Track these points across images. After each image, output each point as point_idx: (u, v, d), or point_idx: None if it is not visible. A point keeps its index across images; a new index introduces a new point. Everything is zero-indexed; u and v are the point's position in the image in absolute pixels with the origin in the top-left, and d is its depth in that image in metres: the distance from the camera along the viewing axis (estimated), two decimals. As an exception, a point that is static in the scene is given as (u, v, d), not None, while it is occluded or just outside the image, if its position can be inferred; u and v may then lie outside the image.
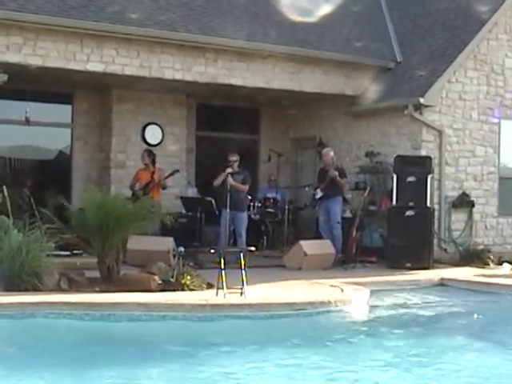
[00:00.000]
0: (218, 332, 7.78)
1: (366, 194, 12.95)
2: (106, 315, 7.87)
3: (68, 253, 10.95)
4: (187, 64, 12.65)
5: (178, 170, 13.06)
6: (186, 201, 13.20)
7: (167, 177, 12.65)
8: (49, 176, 14.64)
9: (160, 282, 8.96)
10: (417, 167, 12.41)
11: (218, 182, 11.98)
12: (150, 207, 9.57)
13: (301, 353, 6.98)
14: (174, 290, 8.79)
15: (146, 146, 13.73)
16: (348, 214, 13.25)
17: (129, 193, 12.41)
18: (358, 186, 13.67)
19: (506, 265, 12.26)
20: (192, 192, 14.53)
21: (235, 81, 13.11)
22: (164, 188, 12.67)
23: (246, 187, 12.24)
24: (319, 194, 12.73)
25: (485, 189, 13.66)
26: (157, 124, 14.38)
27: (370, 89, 14.12)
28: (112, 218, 8.94)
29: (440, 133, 13.13)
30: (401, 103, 13.17)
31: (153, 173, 12.61)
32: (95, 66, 11.93)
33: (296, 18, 13.61)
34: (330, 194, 12.63)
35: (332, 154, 13.04)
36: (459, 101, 13.37)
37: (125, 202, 9.52)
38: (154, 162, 12.80)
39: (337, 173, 12.57)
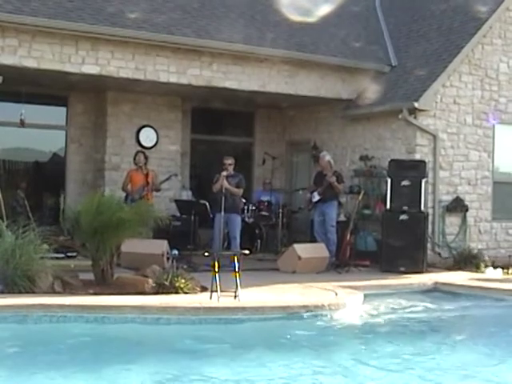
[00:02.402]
0: (212, 335, 7.78)
1: (360, 198, 12.97)
2: (99, 318, 7.86)
3: (62, 255, 10.94)
4: (182, 67, 12.66)
5: (176, 175, 13.06)
6: (180, 204, 13.20)
7: (164, 180, 12.63)
8: (43, 178, 14.64)
9: (154, 284, 8.96)
10: (411, 171, 12.42)
11: (217, 187, 11.90)
12: (146, 212, 9.55)
13: (294, 356, 6.98)
14: (168, 293, 8.79)
15: (140, 149, 13.69)
16: (342, 218, 13.27)
17: (122, 195, 12.37)
18: (352, 189, 13.69)
19: (497, 269, 12.24)
20: (186, 195, 14.53)
21: (231, 84, 13.12)
22: (158, 190, 12.64)
23: (240, 191, 12.22)
24: (316, 197, 12.72)
25: (479, 193, 13.70)
26: (151, 127, 14.38)
27: (365, 93, 14.15)
28: (107, 222, 8.93)
29: (434, 137, 13.16)
30: (395, 107, 13.20)
31: (146, 175, 12.54)
32: (90, 69, 11.94)
33: (292, 21, 13.64)
34: (327, 197, 12.64)
35: (328, 157, 13.05)
36: (453, 105, 13.41)
37: (120, 206, 9.51)
38: (146, 164, 12.76)
39: (335, 178, 12.58)
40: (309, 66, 13.74)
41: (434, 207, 13.14)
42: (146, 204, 10.96)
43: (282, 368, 6.56)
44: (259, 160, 15.74)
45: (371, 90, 14.06)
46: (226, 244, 12.58)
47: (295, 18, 13.63)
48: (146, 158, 12.72)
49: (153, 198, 12.49)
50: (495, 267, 12.41)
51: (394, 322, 8.83)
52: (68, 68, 11.79)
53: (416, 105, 12.82)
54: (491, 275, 12.02)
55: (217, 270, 8.53)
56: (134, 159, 12.74)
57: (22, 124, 13.04)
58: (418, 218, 12.27)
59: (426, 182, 12.68)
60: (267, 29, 13.64)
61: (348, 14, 15.21)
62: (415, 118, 13.03)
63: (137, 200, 11.86)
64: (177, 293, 8.84)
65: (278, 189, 15.40)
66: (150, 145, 14.26)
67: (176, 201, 13.34)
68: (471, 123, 13.59)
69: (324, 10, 14.02)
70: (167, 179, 12.67)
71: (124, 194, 12.37)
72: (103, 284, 9.11)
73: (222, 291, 8.53)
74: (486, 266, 12.49)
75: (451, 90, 13.38)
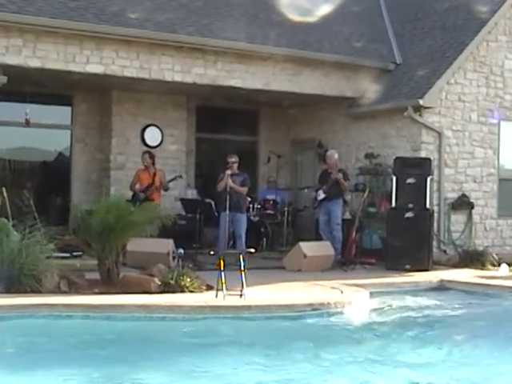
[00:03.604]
0: (218, 334, 7.78)
1: (365, 196, 12.96)
2: (105, 317, 7.87)
3: (68, 255, 10.96)
4: (187, 66, 12.66)
5: (181, 176, 13.08)
6: (185, 203, 13.20)
7: (169, 181, 12.64)
8: (48, 178, 14.65)
9: (159, 283, 8.97)
10: (416, 169, 12.41)
11: (221, 186, 11.90)
12: (152, 212, 9.56)
13: (300, 355, 6.98)
14: (174, 292, 8.80)
15: (145, 148, 13.72)
16: (347, 216, 13.26)
17: (128, 194, 12.41)
18: (357, 187, 13.68)
19: (503, 266, 12.24)
20: (192, 194, 14.54)
21: (235, 82, 13.12)
22: (166, 189, 12.68)
23: (244, 189, 12.22)
24: (322, 195, 12.72)
25: (484, 190, 13.67)
26: (156, 126, 14.38)
27: (369, 90, 14.13)
28: (114, 222, 8.94)
29: (439, 134, 13.14)
30: (400, 105, 13.18)
31: (154, 174, 12.58)
32: (95, 68, 11.94)
33: (295, 19, 13.62)
34: (332, 195, 12.64)
35: (337, 156, 13.10)
36: (458, 102, 13.38)
37: (127, 206, 9.52)
38: (153, 163, 12.80)
39: (341, 175, 12.59)
40: (313, 65, 13.72)
41: (439, 205, 13.12)
42: (152, 204, 10.96)
43: (286, 366, 6.56)
44: (264, 158, 15.73)
45: (375, 88, 14.05)
46: (231, 243, 12.57)
47: (299, 16, 13.60)
48: (151, 157, 12.74)
49: (160, 197, 12.49)
50: (501, 264, 12.38)
51: (399, 320, 8.82)
52: (72, 67, 11.80)
53: (421, 102, 12.80)
54: (500, 272, 11.99)
55: (222, 268, 8.53)
56: (142, 159, 12.81)
57: (27, 124, 13.07)
58: (423, 216, 12.26)
59: (432, 180, 12.66)
60: (271, 27, 13.61)
61: (352, 12, 15.17)
62: (420, 115, 13.01)
63: (142, 199, 11.89)
64: (182, 292, 8.85)
65: (283, 187, 15.39)
66: (154, 144, 14.26)
67: (181, 200, 13.35)
68: (476, 120, 13.57)
69: (328, 7, 13.99)
70: (173, 180, 12.68)
71: (131, 194, 12.44)
72: (109, 283, 9.12)
73: (227, 290, 8.54)
74: (493, 264, 12.47)
75: (456, 87, 13.35)
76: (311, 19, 13.72)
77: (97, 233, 9.08)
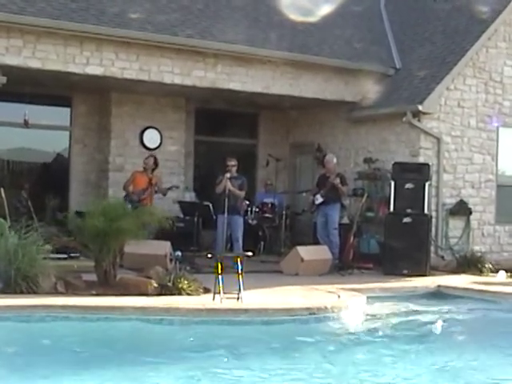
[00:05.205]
0: (214, 337, 7.77)
1: (363, 201, 12.97)
2: (102, 319, 7.87)
3: (65, 256, 10.94)
4: (186, 68, 12.66)
5: (177, 186, 13.05)
6: (183, 205, 13.20)
7: (167, 190, 12.57)
8: (47, 179, 14.64)
9: (157, 286, 8.96)
10: (415, 174, 12.41)
11: (220, 188, 11.90)
12: (149, 217, 9.55)
13: (297, 359, 6.97)
14: (171, 294, 8.80)
15: (144, 150, 13.70)
16: (345, 220, 13.26)
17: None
18: (355, 192, 13.68)
19: (501, 272, 12.24)
20: (190, 196, 14.53)
21: (234, 85, 13.12)
22: (164, 194, 12.61)
23: (242, 193, 12.23)
24: (319, 199, 12.71)
25: (482, 196, 13.68)
26: (155, 128, 14.37)
27: (369, 95, 14.13)
28: (111, 224, 8.93)
29: (438, 140, 13.15)
30: (399, 110, 13.18)
31: (150, 179, 12.47)
32: (94, 69, 11.94)
33: (296, 23, 13.63)
34: (330, 200, 12.64)
35: (335, 160, 13.09)
36: (458, 108, 13.39)
37: (125, 209, 9.52)
38: (153, 170, 12.69)
39: (338, 180, 12.58)
40: (313, 68, 13.72)
41: (437, 210, 13.13)
42: (149, 209, 10.89)
43: (283, 371, 6.56)
44: (263, 162, 15.73)
45: (375, 93, 14.04)
46: (228, 246, 12.57)
47: (299, 19, 13.61)
48: (156, 163, 12.62)
49: (152, 201, 12.39)
50: (498, 270, 12.37)
51: (396, 325, 8.82)
52: (72, 69, 11.79)
53: (420, 108, 12.81)
54: (498, 278, 11.98)
55: (220, 271, 8.53)
56: (145, 159, 12.73)
57: (26, 124, 13.06)
58: (421, 221, 12.26)
59: (430, 185, 12.66)
60: (271, 30, 13.61)
61: (352, 16, 15.20)
62: (419, 120, 13.02)
63: (135, 202, 11.84)
64: (180, 294, 8.84)
65: (281, 191, 15.38)
66: (153, 146, 14.24)
67: (179, 202, 13.34)
68: (475, 126, 13.58)
69: (328, 11, 14.00)
70: (169, 189, 12.62)
71: (124, 194, 12.38)
72: (106, 285, 9.11)
73: (224, 293, 8.53)
74: (491, 271, 12.45)
75: (455, 93, 13.36)
76: (312, 23, 13.73)
77: (92, 235, 9.06)
